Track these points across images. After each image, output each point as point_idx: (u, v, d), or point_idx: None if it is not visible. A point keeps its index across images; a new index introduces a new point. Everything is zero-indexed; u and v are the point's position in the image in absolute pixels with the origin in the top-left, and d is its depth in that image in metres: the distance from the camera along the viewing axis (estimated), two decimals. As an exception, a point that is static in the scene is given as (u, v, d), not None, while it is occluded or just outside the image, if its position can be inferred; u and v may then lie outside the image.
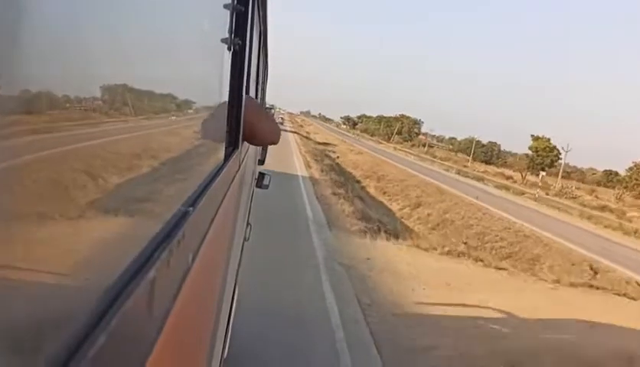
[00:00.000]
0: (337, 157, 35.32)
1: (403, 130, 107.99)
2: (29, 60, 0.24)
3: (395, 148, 71.24)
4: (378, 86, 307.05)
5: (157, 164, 0.56)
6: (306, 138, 52.42)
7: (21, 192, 0.25)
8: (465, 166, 61.19)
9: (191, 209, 0.57)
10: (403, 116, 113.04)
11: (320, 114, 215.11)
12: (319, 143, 43.58)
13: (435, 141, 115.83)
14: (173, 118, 0.65)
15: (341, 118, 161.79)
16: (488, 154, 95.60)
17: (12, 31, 0.22)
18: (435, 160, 62.41)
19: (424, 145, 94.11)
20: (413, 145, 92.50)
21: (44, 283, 0.28)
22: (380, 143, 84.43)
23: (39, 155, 0.27)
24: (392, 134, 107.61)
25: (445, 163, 60.99)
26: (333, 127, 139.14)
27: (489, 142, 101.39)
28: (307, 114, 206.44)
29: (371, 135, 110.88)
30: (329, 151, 37.59)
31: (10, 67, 0.22)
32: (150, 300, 0.39)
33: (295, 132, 53.96)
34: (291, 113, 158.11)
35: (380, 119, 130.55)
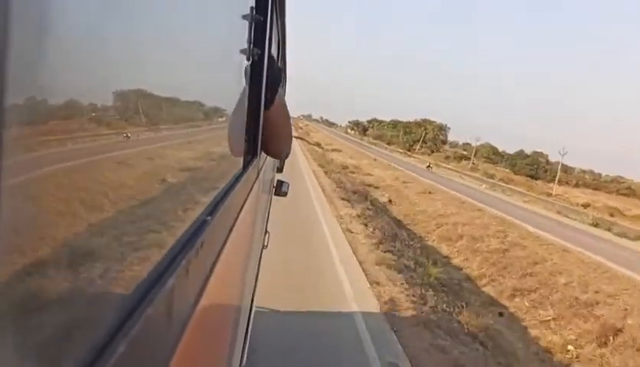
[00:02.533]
0: (390, 200, 18.52)
1: (427, 137, 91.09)
2: (56, 73, 0.24)
3: (437, 166, 53.60)
4: (386, 89, 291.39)
5: (176, 173, 0.57)
6: (316, 146, 35.85)
7: (42, 200, 0.25)
8: (549, 195, 44.27)
9: (209, 218, 0.57)
10: (426, 121, 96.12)
11: (322, 117, 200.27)
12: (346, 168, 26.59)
13: (448, 147, 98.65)
14: (193, 127, 0.65)
15: (350, 122, 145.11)
16: (534, 168, 78.32)
17: (31, 36, 0.22)
18: (499, 183, 45.46)
19: (467, 159, 76.69)
20: (446, 158, 75.46)
21: (64, 291, 0.28)
22: (410, 156, 67.38)
23: (63, 164, 0.27)
24: (413, 143, 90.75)
25: (516, 189, 44.16)
26: (341, 132, 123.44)
27: (534, 152, 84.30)
28: (308, 117, 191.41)
29: (388, 143, 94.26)
30: (364, 181, 21.85)
31: (31, 75, 0.22)
32: (169, 309, 0.40)
33: (299, 138, 37.77)
34: (291, 117, 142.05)
35: (396, 124, 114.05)
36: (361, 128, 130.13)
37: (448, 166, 58.72)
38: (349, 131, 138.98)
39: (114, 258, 0.35)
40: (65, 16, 0.25)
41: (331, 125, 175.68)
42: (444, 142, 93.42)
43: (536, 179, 71.95)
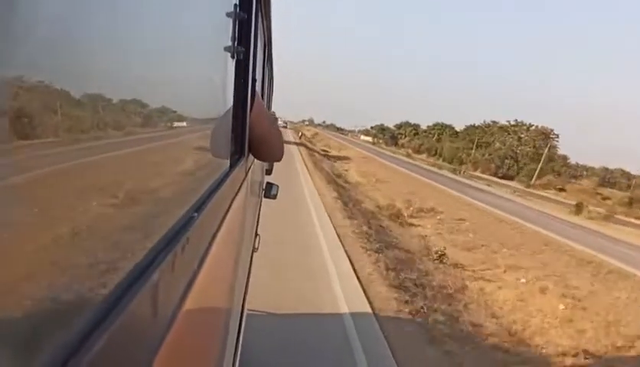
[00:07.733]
0: None
1: (521, 152, 54.06)
2: (43, 73, 0.24)
3: None
4: (389, 89, 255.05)
5: (162, 171, 0.57)
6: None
7: (27, 196, 0.25)
8: None
9: (195, 214, 0.57)
10: (520, 124, 59.19)
11: (324, 122, 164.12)
12: None
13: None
14: (178, 126, 0.65)
15: (372, 128, 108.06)
16: None
17: (9, 33, 0.21)
18: None
19: None
20: (631, 202, 38.27)
21: (47, 285, 0.28)
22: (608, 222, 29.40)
23: (47, 160, 0.28)
24: (502, 161, 53.87)
25: None
26: (359, 142, 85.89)
27: None
28: (311, 122, 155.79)
29: (450, 162, 57.26)
30: None
31: (18, 75, 0.22)
32: (154, 303, 0.39)
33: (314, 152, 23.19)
34: (292, 122, 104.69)
35: (443, 129, 77.05)
36: (389, 136, 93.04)
37: None
38: (364, 138, 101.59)
39: (99, 251, 0.35)
40: (49, 13, 0.25)
41: (339, 130, 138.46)
42: (551, 160, 56.61)
43: None
